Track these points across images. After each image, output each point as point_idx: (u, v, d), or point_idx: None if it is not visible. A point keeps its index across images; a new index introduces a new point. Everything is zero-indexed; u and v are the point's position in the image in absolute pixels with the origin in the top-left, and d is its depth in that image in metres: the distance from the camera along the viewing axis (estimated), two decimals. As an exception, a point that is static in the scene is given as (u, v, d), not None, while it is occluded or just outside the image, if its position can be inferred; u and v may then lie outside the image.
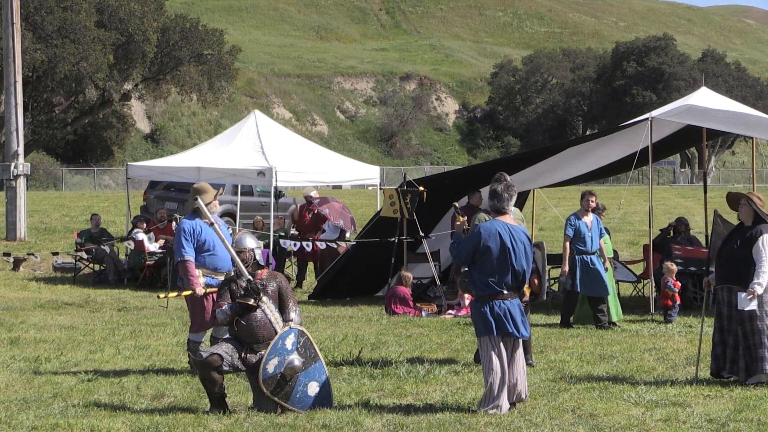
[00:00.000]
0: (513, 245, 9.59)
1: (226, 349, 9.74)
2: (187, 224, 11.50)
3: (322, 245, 20.10)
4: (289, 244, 20.52)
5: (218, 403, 9.77)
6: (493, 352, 9.56)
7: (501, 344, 9.58)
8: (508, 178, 12.26)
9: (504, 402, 9.52)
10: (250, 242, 10.11)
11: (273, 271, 10.24)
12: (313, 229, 21.56)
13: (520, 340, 9.75)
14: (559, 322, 15.49)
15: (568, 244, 15.45)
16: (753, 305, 10.72)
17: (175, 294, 11.81)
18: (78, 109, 60.84)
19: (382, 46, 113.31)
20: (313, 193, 22.23)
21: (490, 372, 9.53)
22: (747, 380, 10.79)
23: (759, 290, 10.67)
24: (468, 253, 9.65)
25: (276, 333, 9.72)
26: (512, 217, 9.95)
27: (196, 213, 11.54)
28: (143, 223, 22.55)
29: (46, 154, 67.13)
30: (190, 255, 11.37)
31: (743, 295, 10.71)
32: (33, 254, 24.10)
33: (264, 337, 9.71)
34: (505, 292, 9.57)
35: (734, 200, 11.14)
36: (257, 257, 10.05)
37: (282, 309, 9.93)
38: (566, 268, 15.38)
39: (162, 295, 11.76)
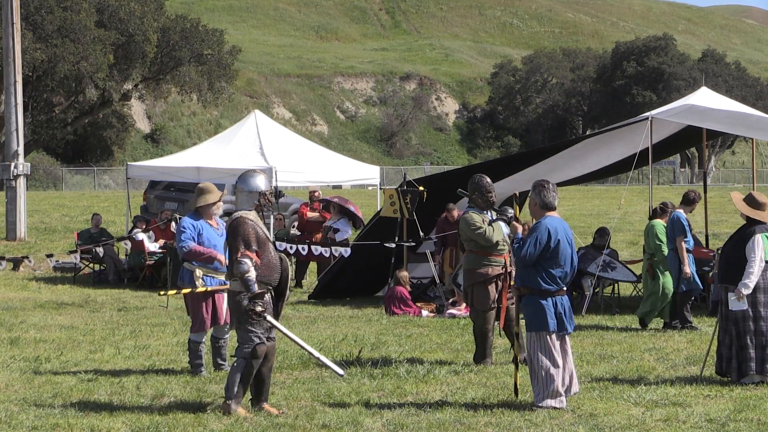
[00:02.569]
0: (570, 240, 9.74)
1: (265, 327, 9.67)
2: (188, 221, 11.50)
3: (316, 251, 19.90)
4: (285, 247, 20.20)
5: (263, 395, 9.70)
6: (551, 351, 9.66)
7: (557, 342, 9.70)
8: (488, 179, 12.33)
9: (563, 398, 9.65)
10: (262, 182, 9.78)
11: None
12: (314, 228, 21.48)
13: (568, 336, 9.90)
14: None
15: (683, 243, 14.90)
16: (741, 305, 10.71)
17: (174, 292, 11.82)
18: (78, 109, 60.84)
19: (382, 46, 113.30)
20: (317, 193, 22.20)
21: (547, 369, 9.59)
22: (739, 380, 10.79)
23: (745, 291, 10.67)
24: (537, 253, 9.64)
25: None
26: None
27: (198, 212, 11.55)
28: (143, 223, 22.54)
29: (46, 154, 67.17)
30: (193, 243, 11.33)
31: (730, 295, 10.75)
32: (27, 257, 24.01)
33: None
34: (564, 288, 9.74)
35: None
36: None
37: None
38: (688, 270, 14.78)
39: (162, 292, 11.78)
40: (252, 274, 9.38)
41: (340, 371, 9.80)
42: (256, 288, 9.37)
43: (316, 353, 9.78)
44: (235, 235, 9.47)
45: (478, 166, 21.43)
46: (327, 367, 9.89)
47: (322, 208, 21.82)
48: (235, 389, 9.45)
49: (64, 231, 30.58)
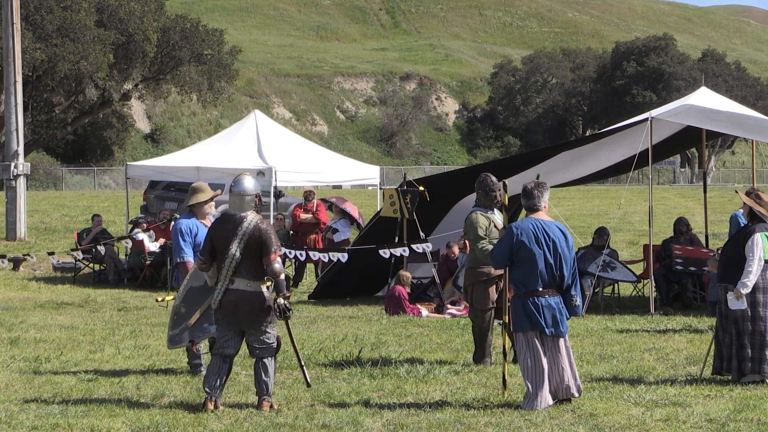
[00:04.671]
0: (546, 241, 9.68)
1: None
2: (184, 224, 11.47)
3: (315, 257, 19.83)
4: (285, 252, 20.10)
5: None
6: (527, 351, 9.69)
7: (537, 341, 9.69)
8: (493, 177, 12.32)
9: (542, 399, 9.61)
10: (250, 184, 9.91)
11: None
12: (308, 229, 21.38)
13: (563, 338, 9.79)
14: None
15: None
16: (740, 305, 10.71)
17: (172, 297, 11.80)
18: (78, 108, 60.85)
19: (382, 46, 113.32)
20: (312, 193, 22.15)
21: (524, 370, 9.71)
22: (740, 379, 10.80)
23: (744, 290, 10.65)
24: (504, 254, 9.79)
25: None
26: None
27: (192, 212, 11.53)
28: (143, 223, 22.52)
29: (46, 154, 67.18)
30: (189, 256, 11.34)
31: (729, 294, 10.75)
32: (29, 255, 24.01)
33: None
34: (541, 288, 9.67)
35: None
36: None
37: None
38: None
39: (160, 299, 11.77)
40: (284, 274, 9.90)
41: (308, 382, 10.38)
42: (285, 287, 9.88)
43: (302, 361, 10.36)
44: (265, 237, 9.70)
45: (480, 166, 21.42)
46: (302, 372, 10.38)
47: (327, 209, 21.79)
48: (272, 387, 9.85)
49: (64, 231, 30.58)
